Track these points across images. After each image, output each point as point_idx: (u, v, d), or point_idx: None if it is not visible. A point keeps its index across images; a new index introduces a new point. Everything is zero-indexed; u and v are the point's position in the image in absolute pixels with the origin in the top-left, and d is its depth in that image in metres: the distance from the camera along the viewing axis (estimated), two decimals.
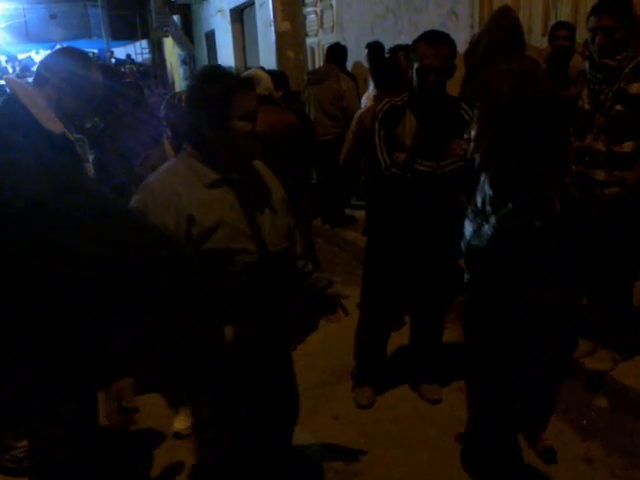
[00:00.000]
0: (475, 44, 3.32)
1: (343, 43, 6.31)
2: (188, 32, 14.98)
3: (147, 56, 17.48)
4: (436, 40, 2.47)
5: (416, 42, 2.52)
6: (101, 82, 2.36)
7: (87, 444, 1.95)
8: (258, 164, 1.97)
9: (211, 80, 1.72)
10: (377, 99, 3.68)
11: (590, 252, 2.96)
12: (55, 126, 2.14)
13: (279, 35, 7.63)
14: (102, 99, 2.48)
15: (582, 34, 4.37)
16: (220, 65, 1.85)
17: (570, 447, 2.63)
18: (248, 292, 1.78)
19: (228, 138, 1.74)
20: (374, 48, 5.44)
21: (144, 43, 17.14)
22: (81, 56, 2.34)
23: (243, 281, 1.77)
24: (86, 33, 19.29)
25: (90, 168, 2.51)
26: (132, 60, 17.44)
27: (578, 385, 2.99)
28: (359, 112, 3.27)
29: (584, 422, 2.78)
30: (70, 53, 2.34)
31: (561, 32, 3.92)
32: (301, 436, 2.86)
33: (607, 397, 2.89)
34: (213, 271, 1.72)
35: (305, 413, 3.00)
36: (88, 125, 3.31)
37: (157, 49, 16.62)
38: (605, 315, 2.97)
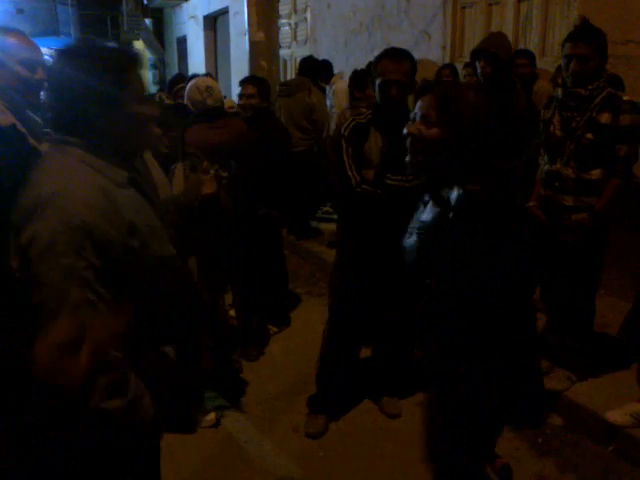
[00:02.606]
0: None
1: (316, 57, 6.35)
2: (160, 36, 14.86)
3: None
4: (397, 56, 2.56)
5: (378, 58, 2.59)
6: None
7: None
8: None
9: (99, 57, 1.40)
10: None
11: (552, 273, 3.03)
12: (4, 118, 2.03)
13: (253, 45, 7.64)
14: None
15: (548, 62, 4.52)
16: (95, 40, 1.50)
17: (525, 464, 2.67)
18: (177, 302, 1.60)
19: (127, 126, 1.43)
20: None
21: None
22: (27, 39, 2.21)
23: (175, 291, 1.58)
24: (54, 30, 18.92)
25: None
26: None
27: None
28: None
29: (539, 440, 2.83)
30: (16, 36, 2.14)
31: (521, 60, 4.05)
32: (263, 444, 2.85)
33: (562, 416, 2.95)
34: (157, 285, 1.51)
35: (265, 423, 2.99)
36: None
37: None
38: (563, 336, 3.03)
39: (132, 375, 1.37)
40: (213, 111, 3.33)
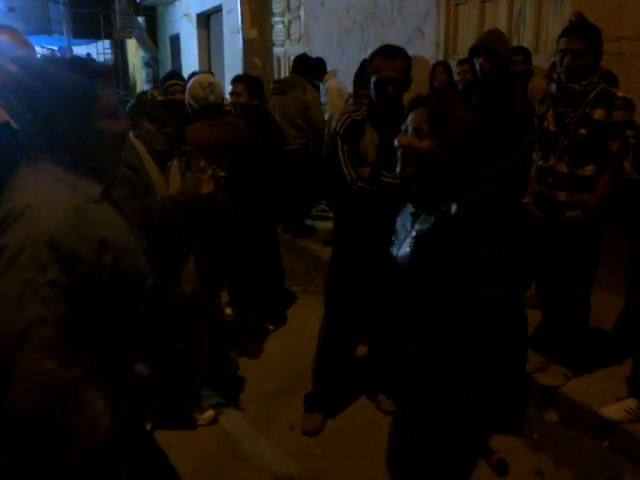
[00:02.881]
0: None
1: (309, 54, 6.35)
2: (152, 35, 14.80)
3: (109, 56, 17.16)
4: (392, 54, 2.54)
5: (372, 56, 2.58)
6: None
7: None
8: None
9: (66, 72, 1.38)
10: None
11: (547, 270, 3.04)
12: None
13: (246, 42, 7.61)
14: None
15: (542, 59, 4.54)
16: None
17: (521, 460, 2.68)
18: (152, 320, 1.60)
19: (96, 142, 1.42)
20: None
21: (107, 43, 16.84)
22: (20, 37, 2.19)
23: (148, 309, 1.57)
24: (46, 29, 18.80)
25: None
26: (93, 60, 17.08)
27: (530, 399, 3.05)
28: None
29: (535, 435, 2.84)
30: (9, 33, 2.17)
31: (517, 57, 4.06)
32: (259, 442, 2.85)
33: (557, 412, 2.97)
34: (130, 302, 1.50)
35: (262, 421, 2.99)
36: None
37: (120, 50, 16.35)
38: (559, 332, 3.05)
39: (90, 394, 1.35)
40: (214, 108, 3.35)
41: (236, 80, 4.06)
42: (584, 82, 2.73)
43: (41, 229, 1.28)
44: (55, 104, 1.36)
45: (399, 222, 1.94)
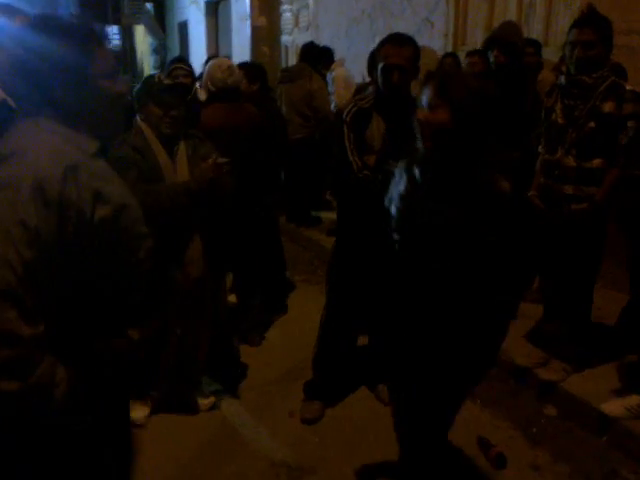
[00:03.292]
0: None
1: (317, 43, 6.31)
2: (161, 21, 14.74)
3: (117, 42, 17.11)
4: (400, 41, 2.53)
5: (381, 43, 2.57)
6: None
7: None
8: None
9: (63, 31, 1.39)
10: None
11: (551, 264, 3.03)
12: None
13: (255, 30, 7.59)
14: None
15: (551, 51, 4.49)
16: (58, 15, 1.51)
17: (520, 454, 2.68)
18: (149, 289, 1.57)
19: (95, 101, 1.43)
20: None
21: (115, 29, 16.77)
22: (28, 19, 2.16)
23: (148, 270, 1.53)
24: (53, 11, 18.74)
25: None
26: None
27: (530, 394, 3.05)
28: None
29: (534, 430, 2.84)
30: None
31: (529, 49, 4.02)
32: (258, 429, 2.86)
33: (556, 406, 2.96)
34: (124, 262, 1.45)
35: (261, 409, 3.00)
36: None
37: (127, 36, 16.28)
38: (561, 327, 3.03)
39: (47, 361, 1.27)
40: (232, 92, 3.37)
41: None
42: (594, 75, 2.70)
43: (26, 170, 1.25)
44: (53, 61, 1.35)
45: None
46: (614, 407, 2.73)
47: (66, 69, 1.36)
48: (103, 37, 1.47)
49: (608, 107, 2.68)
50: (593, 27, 2.67)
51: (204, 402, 2.97)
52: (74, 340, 1.36)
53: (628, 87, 2.72)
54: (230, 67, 3.37)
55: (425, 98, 1.75)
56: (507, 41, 3.57)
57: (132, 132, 2.64)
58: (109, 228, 1.36)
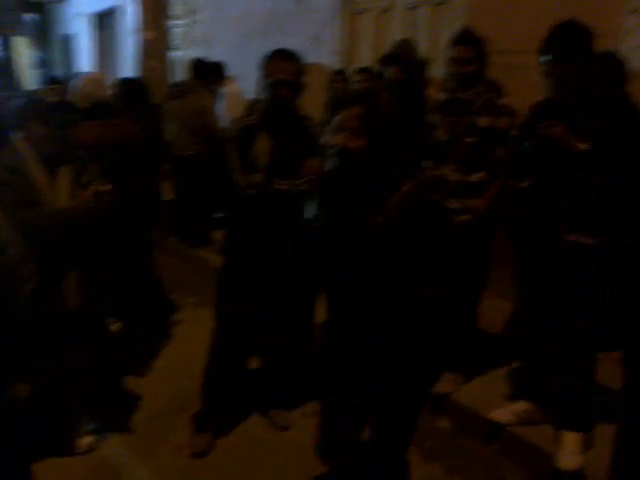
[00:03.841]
0: None
1: (209, 59, 6.19)
2: (44, 33, 13.99)
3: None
4: (286, 56, 2.53)
5: (267, 59, 2.55)
6: None
7: None
8: None
9: None
10: None
11: (438, 276, 3.06)
12: None
13: (142, 45, 7.33)
14: None
15: (436, 68, 4.64)
16: None
17: (414, 470, 2.63)
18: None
19: None
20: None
21: None
22: None
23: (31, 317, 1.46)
24: None
25: None
26: None
27: (423, 408, 3.05)
28: None
29: (428, 445, 2.83)
30: None
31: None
32: (139, 470, 2.65)
33: (449, 418, 2.98)
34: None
35: (146, 445, 2.79)
36: None
37: (5, 47, 15.32)
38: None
39: None
40: (104, 107, 3.21)
41: None
42: (471, 91, 2.79)
43: None
44: None
45: None
46: (502, 414, 2.78)
47: None
48: None
49: (484, 122, 2.77)
50: (468, 44, 2.78)
51: (82, 442, 2.72)
52: None
53: (502, 101, 2.83)
54: (98, 80, 3.29)
55: (345, 122, 1.94)
56: (405, 58, 3.64)
57: (5, 151, 2.48)
58: None
